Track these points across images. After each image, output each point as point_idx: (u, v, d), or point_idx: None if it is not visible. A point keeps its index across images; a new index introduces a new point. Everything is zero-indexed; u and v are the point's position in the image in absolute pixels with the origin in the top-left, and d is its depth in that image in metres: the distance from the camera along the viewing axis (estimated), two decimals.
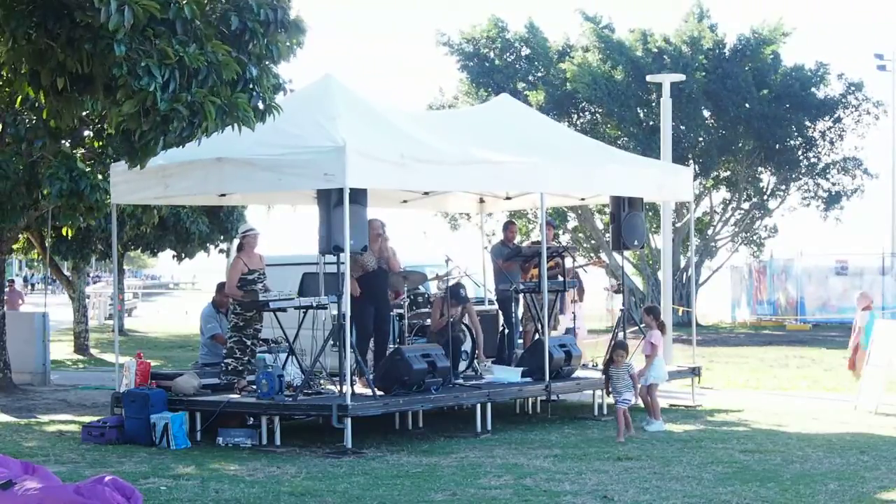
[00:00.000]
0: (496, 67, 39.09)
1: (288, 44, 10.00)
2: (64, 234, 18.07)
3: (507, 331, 15.72)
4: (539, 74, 38.06)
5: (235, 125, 9.58)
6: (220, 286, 15.22)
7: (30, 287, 78.27)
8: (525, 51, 39.24)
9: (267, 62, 9.97)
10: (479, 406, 13.38)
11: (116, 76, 8.63)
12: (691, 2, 38.13)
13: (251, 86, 9.66)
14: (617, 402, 12.95)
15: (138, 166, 9.89)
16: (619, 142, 34.35)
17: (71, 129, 14.76)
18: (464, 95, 38.96)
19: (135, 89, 8.71)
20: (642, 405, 13.87)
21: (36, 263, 59.66)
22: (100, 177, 15.42)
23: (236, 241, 14.01)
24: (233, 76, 9.21)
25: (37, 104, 13.48)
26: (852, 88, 36.97)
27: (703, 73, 35.42)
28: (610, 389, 13.32)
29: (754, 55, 36.32)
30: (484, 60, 39.40)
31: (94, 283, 54.20)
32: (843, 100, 36.99)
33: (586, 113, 38.15)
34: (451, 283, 14.42)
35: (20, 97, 10.72)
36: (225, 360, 13.39)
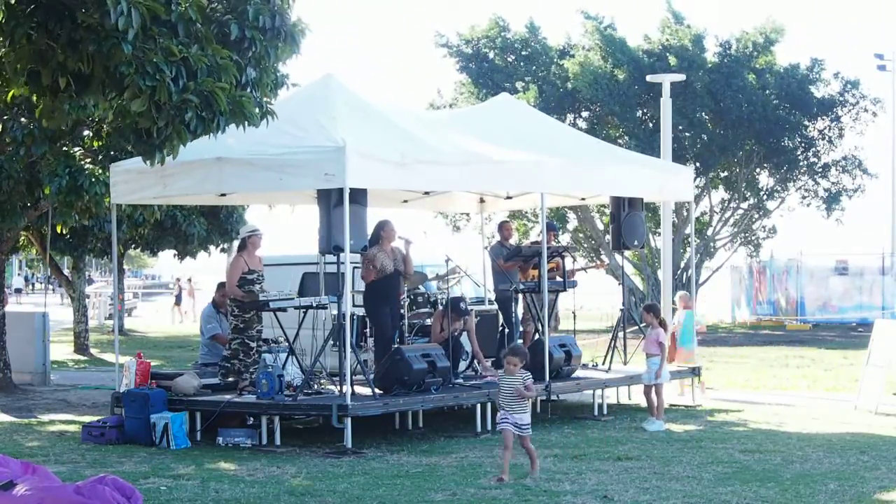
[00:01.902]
0: (496, 67, 39.08)
1: (285, 51, 10.05)
2: (59, 231, 18.08)
3: (506, 331, 15.71)
4: (540, 74, 38.06)
5: (240, 124, 9.64)
6: (221, 286, 15.24)
7: (31, 286, 78.32)
8: (525, 51, 39.21)
9: (266, 62, 10.01)
10: (479, 406, 13.37)
11: (125, 74, 8.67)
12: (664, 6, 38.21)
13: (248, 89, 9.71)
14: (502, 421, 10.20)
15: (159, 163, 9.93)
16: (619, 142, 34.35)
17: (65, 130, 14.76)
18: (462, 96, 38.94)
19: (143, 88, 8.75)
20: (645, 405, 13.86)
21: (35, 263, 59.72)
22: (99, 171, 15.40)
23: (237, 242, 14.01)
24: (231, 80, 9.26)
25: (35, 104, 13.49)
26: (849, 86, 36.99)
27: (705, 74, 35.37)
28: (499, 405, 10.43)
29: (756, 57, 36.31)
30: (483, 61, 39.39)
31: (88, 284, 54.22)
32: (841, 98, 37.00)
33: (586, 113, 38.14)
34: (451, 297, 14.40)
35: (11, 93, 10.71)
36: (230, 361, 13.35)
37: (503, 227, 16.22)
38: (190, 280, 47.62)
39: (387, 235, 13.90)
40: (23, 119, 14.84)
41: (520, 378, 10.10)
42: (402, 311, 14.65)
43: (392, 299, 13.96)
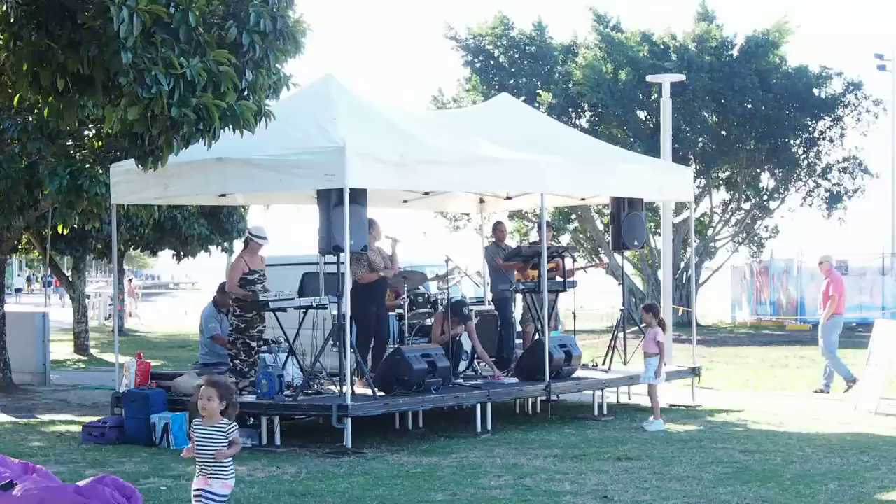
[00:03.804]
0: (500, 65, 39.10)
1: (286, 52, 10.07)
2: (59, 231, 18.09)
3: (503, 331, 15.72)
4: (542, 74, 38.05)
5: (236, 130, 9.67)
6: (222, 286, 15.25)
7: (31, 288, 78.31)
8: (530, 49, 39.21)
9: (265, 63, 10.03)
10: (479, 406, 13.38)
11: (123, 83, 8.69)
12: (696, 2, 38.23)
13: (245, 92, 9.73)
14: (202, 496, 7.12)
15: (152, 168, 9.98)
16: (621, 142, 34.34)
17: (71, 131, 14.79)
18: (466, 93, 38.94)
19: (140, 97, 8.76)
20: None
21: (35, 263, 59.77)
22: (100, 170, 15.41)
23: (243, 238, 14.04)
24: (230, 86, 9.28)
25: (37, 107, 13.50)
26: (851, 87, 37.00)
27: (709, 73, 35.35)
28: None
29: (761, 56, 36.30)
30: (489, 58, 39.41)
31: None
32: (843, 99, 37.01)
33: (588, 113, 38.13)
34: (453, 300, 14.40)
35: (17, 97, 10.74)
36: (233, 362, 13.37)
37: (497, 228, 16.24)
38: (131, 280, 47.24)
39: (373, 235, 13.95)
40: (29, 119, 14.88)
41: (221, 429, 7.13)
42: (401, 311, 14.68)
43: (378, 299, 14.02)
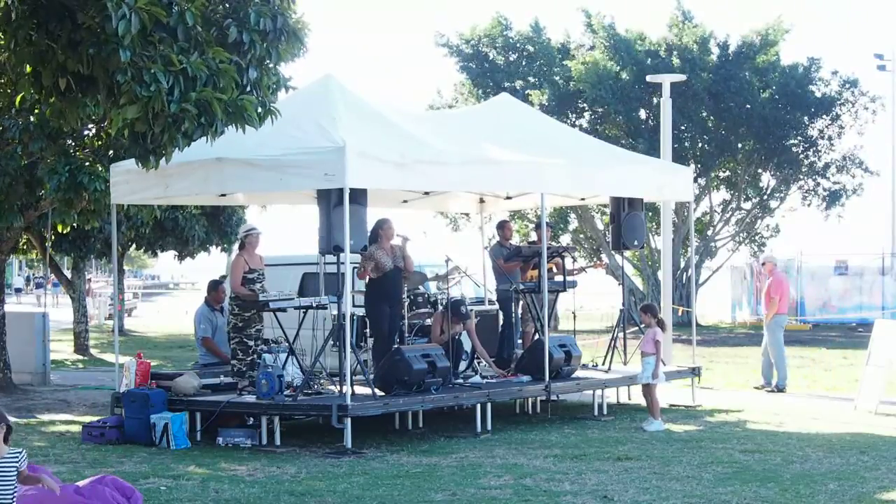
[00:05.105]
0: (497, 67, 39.09)
1: (289, 51, 10.07)
2: (59, 230, 18.08)
3: (506, 331, 15.71)
4: (541, 73, 38.04)
5: (239, 126, 9.65)
6: (212, 284, 15.30)
7: (33, 286, 78.34)
8: (528, 50, 39.21)
9: (268, 62, 10.03)
10: (479, 406, 13.38)
11: (121, 82, 8.69)
12: (673, 4, 38.23)
13: (249, 89, 9.73)
14: None
15: (154, 167, 9.98)
16: (620, 141, 34.35)
17: (73, 130, 14.79)
18: (462, 96, 38.93)
19: (139, 95, 8.76)
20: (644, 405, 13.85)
21: (36, 263, 59.79)
22: (99, 167, 15.40)
23: (237, 242, 14.06)
24: (231, 83, 9.27)
25: (37, 107, 13.50)
26: (848, 85, 36.99)
27: (707, 74, 35.36)
28: None
29: (756, 56, 36.31)
30: (484, 60, 39.39)
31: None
32: (839, 96, 37.00)
33: (587, 112, 38.14)
34: (451, 299, 14.37)
35: (20, 97, 10.74)
36: (231, 361, 13.38)
37: (503, 227, 16.22)
38: (90, 280, 46.93)
39: (385, 234, 13.92)
40: (30, 120, 14.87)
41: (12, 460, 6.29)
42: (402, 310, 14.67)
43: (392, 297, 13.95)
